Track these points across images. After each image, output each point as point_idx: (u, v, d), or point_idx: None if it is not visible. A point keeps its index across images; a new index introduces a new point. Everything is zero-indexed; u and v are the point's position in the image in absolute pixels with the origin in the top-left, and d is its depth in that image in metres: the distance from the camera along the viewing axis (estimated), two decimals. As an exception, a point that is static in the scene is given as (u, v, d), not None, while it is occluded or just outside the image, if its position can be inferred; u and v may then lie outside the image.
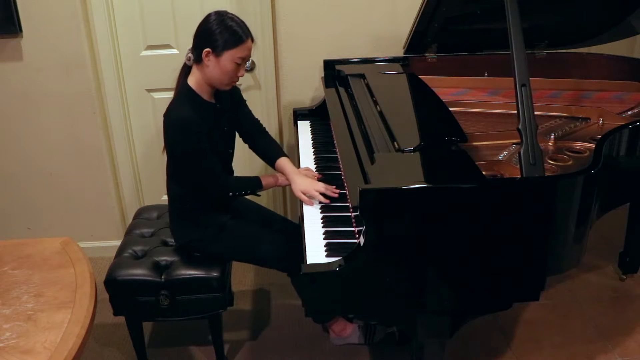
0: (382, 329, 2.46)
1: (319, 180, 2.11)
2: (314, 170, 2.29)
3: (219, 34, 1.96)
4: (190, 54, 2.06)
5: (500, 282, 1.69)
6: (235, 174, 2.30)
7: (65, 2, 2.69)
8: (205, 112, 2.06)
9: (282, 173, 2.23)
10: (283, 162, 2.25)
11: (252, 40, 2.04)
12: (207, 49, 1.98)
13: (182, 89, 2.07)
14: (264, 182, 2.18)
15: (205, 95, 2.09)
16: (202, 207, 2.18)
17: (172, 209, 2.26)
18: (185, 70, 2.10)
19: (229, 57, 1.99)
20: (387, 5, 2.87)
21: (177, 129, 2.00)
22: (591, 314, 2.64)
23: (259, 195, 2.27)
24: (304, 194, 2.03)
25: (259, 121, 2.38)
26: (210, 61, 2.00)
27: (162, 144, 2.11)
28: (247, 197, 2.48)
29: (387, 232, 1.58)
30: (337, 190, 2.03)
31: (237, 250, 2.22)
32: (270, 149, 2.34)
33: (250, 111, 2.35)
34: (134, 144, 3.06)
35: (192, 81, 2.07)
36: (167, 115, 2.04)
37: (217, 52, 1.98)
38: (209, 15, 2.02)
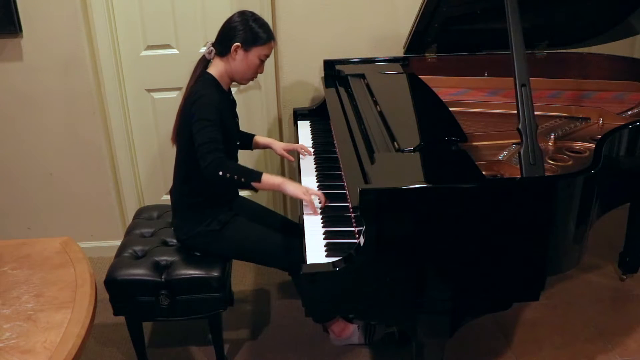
0: (382, 329, 2.46)
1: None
2: (314, 169, 2.30)
3: (249, 31, 2.09)
4: (212, 48, 2.15)
5: (500, 282, 1.69)
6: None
7: (65, 2, 2.69)
8: (224, 100, 2.16)
9: (263, 146, 2.52)
10: (258, 137, 2.52)
11: (274, 40, 2.18)
12: (237, 44, 2.09)
13: (205, 77, 2.15)
14: (265, 178, 2.02)
15: (224, 86, 2.19)
16: (205, 201, 2.19)
17: (177, 204, 2.27)
18: (204, 63, 2.18)
19: (256, 53, 2.12)
20: (387, 5, 2.87)
21: (200, 100, 2.05)
22: (591, 314, 2.64)
23: (255, 191, 2.22)
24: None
25: None
26: (238, 55, 2.11)
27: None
28: (247, 196, 2.49)
29: (387, 232, 1.58)
30: (324, 200, 2.00)
31: (238, 249, 2.23)
32: (243, 135, 2.48)
33: None
34: (134, 144, 3.06)
35: (213, 71, 2.16)
36: (190, 95, 2.10)
37: (246, 47, 2.10)
38: (236, 15, 2.13)
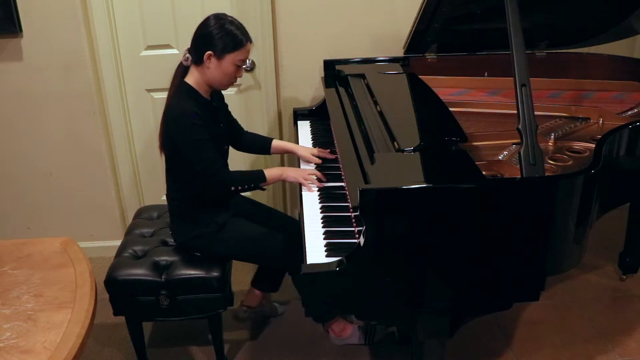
0: (382, 329, 2.46)
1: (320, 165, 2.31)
2: (315, 169, 2.29)
3: (220, 38, 2.02)
4: (188, 55, 2.10)
5: (500, 282, 1.69)
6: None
7: (65, 2, 2.69)
8: (204, 108, 2.11)
9: (285, 151, 2.50)
10: (277, 142, 2.48)
11: (251, 42, 2.10)
12: (209, 52, 2.03)
13: (182, 87, 2.10)
14: (268, 174, 2.15)
15: (203, 93, 2.14)
16: (201, 205, 2.18)
17: (172, 209, 2.27)
18: (182, 70, 2.13)
19: (229, 60, 2.05)
20: (387, 5, 2.87)
21: (179, 120, 2.03)
22: (591, 314, 2.64)
23: (263, 189, 2.28)
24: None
25: (237, 120, 2.46)
26: (211, 63, 2.05)
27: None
28: (247, 195, 2.49)
29: (387, 232, 1.58)
30: (322, 176, 2.15)
31: (238, 249, 2.23)
32: (259, 139, 2.49)
33: (230, 112, 2.40)
34: (134, 144, 3.06)
35: (190, 80, 2.11)
36: (168, 110, 2.08)
37: (219, 54, 2.03)
38: (208, 19, 2.07)
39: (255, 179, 2.15)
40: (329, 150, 2.39)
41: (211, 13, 2.08)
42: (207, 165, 2.05)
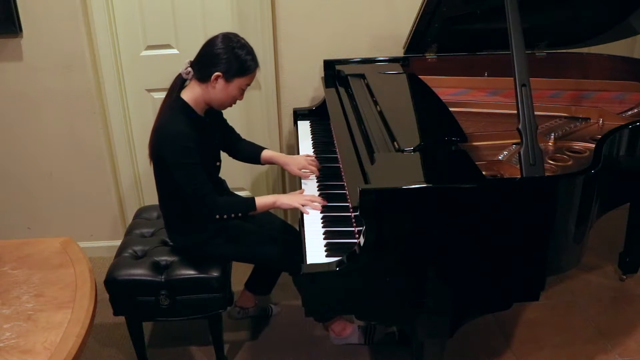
0: (382, 329, 2.46)
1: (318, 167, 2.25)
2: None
3: (232, 61, 1.98)
4: (189, 69, 2.04)
5: (500, 282, 1.69)
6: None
7: (65, 2, 2.69)
8: (198, 127, 2.05)
9: (273, 162, 2.38)
10: (268, 153, 2.39)
11: (259, 67, 2.07)
12: (218, 73, 1.98)
13: (176, 104, 2.04)
14: (259, 203, 2.06)
15: (199, 110, 2.09)
16: (194, 213, 2.12)
17: (166, 218, 2.25)
18: (180, 83, 2.08)
19: (237, 84, 2.02)
20: (387, 5, 2.87)
21: (170, 141, 1.98)
22: (591, 314, 2.64)
23: (250, 217, 2.22)
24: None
25: (234, 128, 2.41)
26: (218, 84, 2.00)
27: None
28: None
29: (387, 232, 1.58)
30: (322, 200, 2.02)
31: (237, 251, 2.22)
32: (251, 148, 2.41)
33: (226, 120, 2.36)
34: (134, 144, 3.06)
35: (187, 96, 2.05)
36: (159, 128, 2.02)
37: (228, 77, 1.99)
38: (216, 38, 2.01)
39: (245, 207, 2.07)
40: (318, 163, 2.30)
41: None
42: (196, 189, 1.99)
